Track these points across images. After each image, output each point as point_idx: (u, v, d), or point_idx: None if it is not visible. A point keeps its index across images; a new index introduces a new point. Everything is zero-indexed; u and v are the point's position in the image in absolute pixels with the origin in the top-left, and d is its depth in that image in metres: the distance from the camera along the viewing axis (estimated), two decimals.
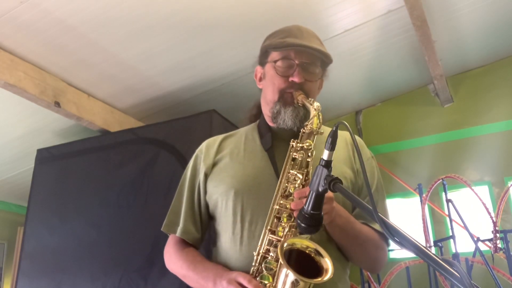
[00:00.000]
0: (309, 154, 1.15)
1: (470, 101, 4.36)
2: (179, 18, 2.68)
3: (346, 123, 0.95)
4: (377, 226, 1.22)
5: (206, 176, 1.31)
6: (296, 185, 1.12)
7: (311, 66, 1.28)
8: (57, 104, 3.00)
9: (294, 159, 1.16)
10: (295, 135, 1.22)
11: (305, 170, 1.14)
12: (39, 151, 3.43)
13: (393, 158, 4.51)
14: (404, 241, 0.75)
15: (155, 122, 3.37)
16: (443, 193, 3.51)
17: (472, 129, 4.27)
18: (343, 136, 1.32)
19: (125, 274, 2.77)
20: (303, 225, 0.98)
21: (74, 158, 3.29)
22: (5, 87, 2.74)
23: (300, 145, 1.17)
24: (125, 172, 3.04)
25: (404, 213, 4.37)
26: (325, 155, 0.96)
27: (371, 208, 0.81)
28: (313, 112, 1.19)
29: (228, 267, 1.17)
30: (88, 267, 2.91)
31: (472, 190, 3.53)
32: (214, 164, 1.31)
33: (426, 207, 3.83)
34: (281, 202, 1.12)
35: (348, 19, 3.11)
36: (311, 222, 0.98)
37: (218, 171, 1.29)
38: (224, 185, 1.25)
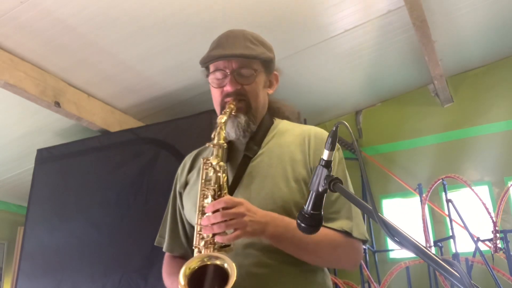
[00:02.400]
0: (217, 169, 1.16)
1: (470, 101, 4.36)
2: (179, 18, 2.68)
3: (346, 123, 0.95)
4: (335, 225, 1.18)
5: (180, 195, 1.37)
6: (209, 201, 1.12)
7: (243, 70, 1.26)
8: (57, 104, 3.00)
9: (207, 176, 1.17)
10: (246, 144, 1.25)
11: (216, 185, 1.14)
12: (39, 151, 3.43)
13: (393, 158, 4.51)
14: (404, 241, 0.75)
15: (155, 122, 3.37)
16: (443, 193, 3.51)
17: (472, 129, 4.27)
18: (302, 134, 1.30)
19: (125, 274, 2.77)
20: (303, 225, 0.98)
21: (74, 158, 3.28)
22: (5, 87, 2.73)
23: (209, 161, 1.18)
24: (125, 172, 3.04)
25: (404, 213, 4.37)
26: (325, 155, 0.96)
27: (371, 208, 0.81)
28: (217, 126, 1.21)
29: None
30: (88, 267, 2.91)
31: (472, 190, 3.53)
32: (186, 183, 1.36)
33: (426, 207, 3.83)
34: (199, 220, 1.13)
35: (348, 19, 3.11)
36: (311, 222, 0.98)
37: (189, 189, 1.34)
38: (189, 204, 1.30)
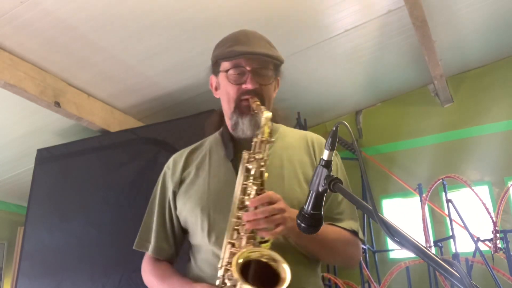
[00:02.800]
0: (262, 164, 1.15)
1: (470, 101, 4.36)
2: (179, 18, 2.68)
3: (346, 123, 0.95)
4: (344, 225, 1.23)
5: (175, 193, 1.33)
6: (251, 196, 1.11)
7: (263, 70, 1.26)
8: (57, 104, 3.00)
9: (248, 170, 1.16)
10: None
11: (259, 180, 1.13)
12: (39, 151, 3.43)
13: (393, 158, 4.51)
14: (404, 241, 0.75)
15: (155, 122, 3.37)
16: (443, 193, 3.51)
17: (472, 129, 4.27)
18: (304, 138, 1.33)
19: (125, 274, 2.77)
20: (303, 225, 0.99)
21: (74, 158, 3.28)
22: (5, 87, 2.74)
23: (253, 155, 1.17)
24: (125, 172, 3.04)
25: (404, 213, 4.37)
26: (325, 155, 0.96)
27: (371, 208, 0.81)
28: (263, 122, 1.19)
29: (202, 280, 1.19)
30: (88, 267, 2.91)
31: (472, 190, 3.53)
32: (181, 181, 1.32)
33: (426, 207, 3.83)
34: (238, 214, 1.12)
35: (348, 19, 3.11)
36: (311, 222, 0.98)
37: (185, 188, 1.31)
38: (191, 203, 1.27)
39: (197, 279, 1.22)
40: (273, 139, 1.19)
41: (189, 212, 1.27)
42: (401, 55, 3.88)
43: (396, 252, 4.20)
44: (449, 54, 3.97)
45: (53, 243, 3.09)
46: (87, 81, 3.16)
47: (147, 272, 1.34)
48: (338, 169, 1.30)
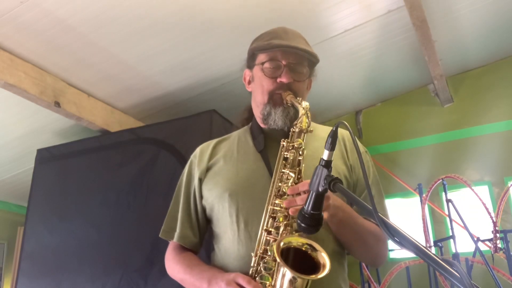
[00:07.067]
0: (300, 152, 1.16)
1: (470, 101, 4.37)
2: (179, 18, 2.68)
3: (346, 123, 0.95)
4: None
5: (201, 180, 1.32)
6: (289, 184, 1.13)
7: (298, 66, 1.29)
8: (57, 104, 3.00)
9: (285, 159, 1.17)
10: (286, 135, 1.23)
11: (297, 168, 1.15)
12: (39, 151, 3.43)
13: (393, 158, 4.51)
14: (404, 241, 0.75)
15: (155, 122, 3.37)
16: (443, 193, 3.51)
17: (472, 129, 4.27)
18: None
19: (125, 274, 2.77)
20: (303, 225, 0.98)
21: (74, 158, 3.28)
22: (5, 87, 2.73)
23: (291, 144, 1.18)
24: (125, 172, 3.04)
25: (404, 213, 4.37)
26: (325, 155, 0.96)
27: (371, 208, 0.81)
28: (301, 111, 1.20)
29: (226, 269, 1.18)
30: (88, 267, 2.91)
31: (472, 190, 3.53)
32: (208, 169, 1.32)
33: (426, 207, 3.83)
34: (276, 201, 1.13)
35: (348, 19, 3.11)
36: (311, 222, 0.98)
37: (212, 175, 1.30)
38: (218, 188, 1.26)
39: (221, 268, 1.20)
40: (311, 129, 1.20)
41: (216, 198, 1.26)
42: (401, 55, 3.88)
43: (396, 252, 4.20)
44: (449, 54, 3.97)
45: (53, 243, 3.09)
46: (87, 81, 3.16)
47: (172, 260, 1.31)
48: (370, 169, 1.32)
